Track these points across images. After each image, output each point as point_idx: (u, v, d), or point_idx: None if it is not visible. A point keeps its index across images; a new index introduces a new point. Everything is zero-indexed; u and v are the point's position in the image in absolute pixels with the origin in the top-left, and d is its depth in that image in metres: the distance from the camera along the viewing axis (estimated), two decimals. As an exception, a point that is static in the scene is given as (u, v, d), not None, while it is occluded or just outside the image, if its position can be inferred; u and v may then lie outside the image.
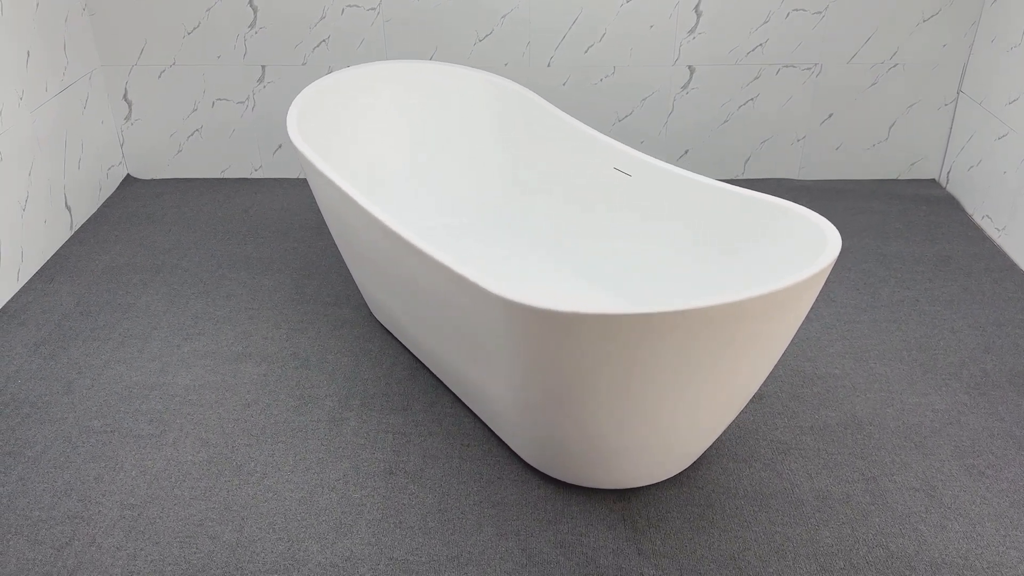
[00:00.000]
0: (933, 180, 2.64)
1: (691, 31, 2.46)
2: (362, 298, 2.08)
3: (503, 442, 1.62)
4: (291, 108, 1.90)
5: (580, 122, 1.95)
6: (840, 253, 2.24)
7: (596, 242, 1.91)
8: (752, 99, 2.55)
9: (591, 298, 1.87)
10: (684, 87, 2.54)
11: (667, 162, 2.64)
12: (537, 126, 2.03)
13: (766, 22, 2.44)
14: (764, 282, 1.25)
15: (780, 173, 2.67)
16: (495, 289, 1.25)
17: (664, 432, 1.39)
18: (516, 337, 1.29)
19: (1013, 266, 2.18)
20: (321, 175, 1.67)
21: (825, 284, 2.11)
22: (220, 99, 2.59)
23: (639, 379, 1.27)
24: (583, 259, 1.95)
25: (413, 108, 2.17)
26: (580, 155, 1.91)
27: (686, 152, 2.63)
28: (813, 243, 1.40)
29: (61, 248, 2.32)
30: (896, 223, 2.40)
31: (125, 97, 2.60)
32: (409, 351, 1.88)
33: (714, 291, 1.64)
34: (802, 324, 1.96)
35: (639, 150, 1.86)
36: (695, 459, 1.55)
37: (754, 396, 1.74)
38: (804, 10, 2.42)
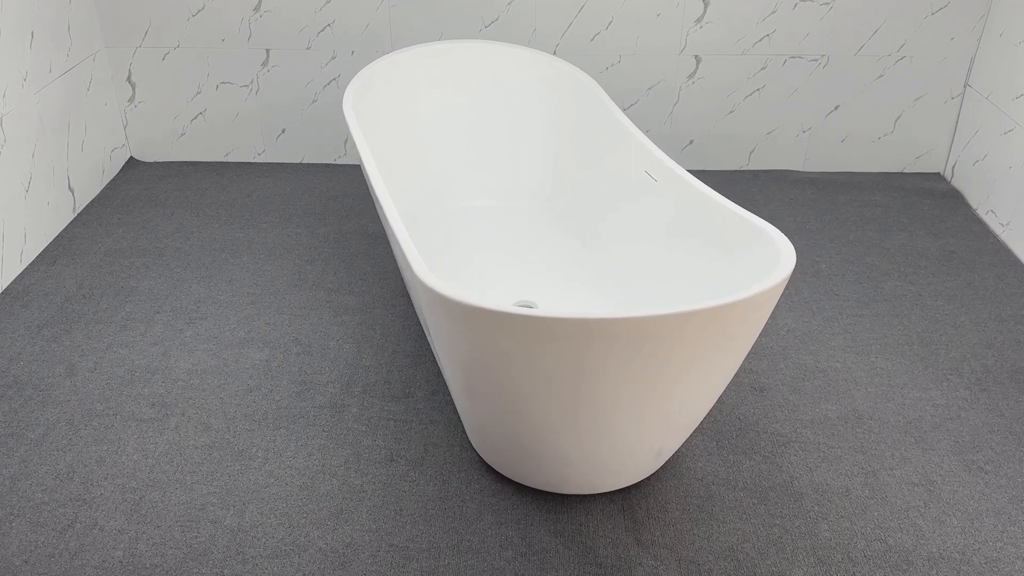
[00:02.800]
0: (938, 174, 2.64)
1: (698, 20, 2.44)
2: (364, 285, 2.08)
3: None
4: (350, 86, 1.95)
5: (627, 118, 1.92)
6: (844, 246, 2.24)
7: (612, 241, 1.91)
8: (758, 90, 2.54)
9: (584, 298, 1.86)
10: (690, 77, 2.53)
11: (672, 153, 2.65)
12: (588, 118, 2.02)
13: (773, 12, 2.43)
14: (713, 296, 1.22)
15: (785, 164, 2.66)
16: (418, 269, 1.27)
17: (589, 441, 1.35)
18: (437, 322, 1.30)
19: (1016, 262, 2.18)
20: (355, 146, 1.72)
21: (828, 278, 2.11)
22: (224, 82, 2.58)
23: (546, 381, 1.24)
24: (594, 256, 1.94)
25: (473, 89, 2.18)
26: (618, 153, 1.90)
27: (691, 142, 2.63)
28: (771, 261, 1.36)
29: (64, 230, 2.32)
30: (900, 216, 2.39)
31: (129, 79, 2.59)
32: (414, 339, 1.89)
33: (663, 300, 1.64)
34: (804, 317, 1.96)
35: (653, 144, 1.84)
36: (650, 473, 1.52)
37: (755, 388, 1.74)
38: (812, 1, 2.41)
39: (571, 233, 2.04)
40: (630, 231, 1.85)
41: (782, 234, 1.37)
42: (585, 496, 1.49)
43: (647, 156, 1.78)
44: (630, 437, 1.36)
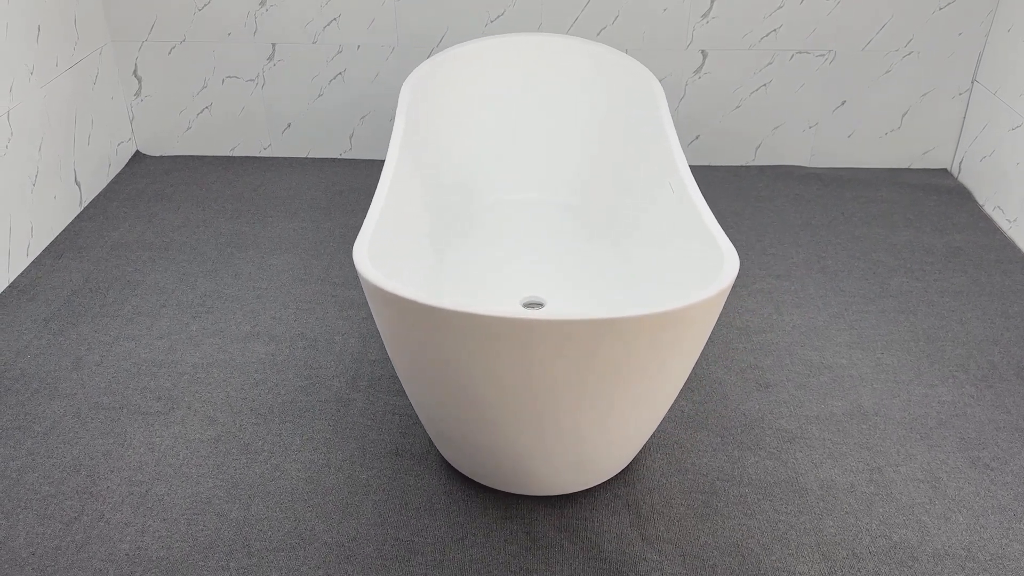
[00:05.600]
0: (945, 170, 2.63)
1: (704, 15, 2.44)
2: (370, 279, 2.08)
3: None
4: (410, 76, 1.99)
5: (671, 122, 1.89)
6: (850, 242, 2.24)
7: (633, 242, 1.91)
8: (765, 85, 2.53)
9: (583, 298, 1.85)
10: (696, 72, 2.52)
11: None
12: (637, 119, 2.02)
13: (780, 7, 2.42)
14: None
15: (791, 160, 2.65)
16: (358, 248, 1.31)
17: (488, 437, 1.35)
18: (367, 299, 1.34)
19: (1023, 258, 2.17)
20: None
21: (834, 274, 2.10)
22: (230, 76, 2.58)
23: (445, 371, 1.24)
24: (615, 255, 1.94)
25: (533, 82, 2.18)
26: (650, 157, 1.90)
27: (697, 137, 2.62)
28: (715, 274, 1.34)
29: (70, 224, 2.33)
30: (906, 213, 2.39)
31: (135, 73, 2.59)
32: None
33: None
34: (809, 313, 1.96)
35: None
36: (577, 488, 1.48)
37: (760, 384, 1.74)
38: (819, -4, 2.40)
39: (597, 232, 2.03)
40: (647, 233, 1.85)
41: (733, 251, 1.33)
42: (590, 491, 1.49)
43: (670, 165, 1.75)
44: (543, 442, 1.33)
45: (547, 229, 2.08)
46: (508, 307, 1.22)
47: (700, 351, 1.32)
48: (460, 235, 2.02)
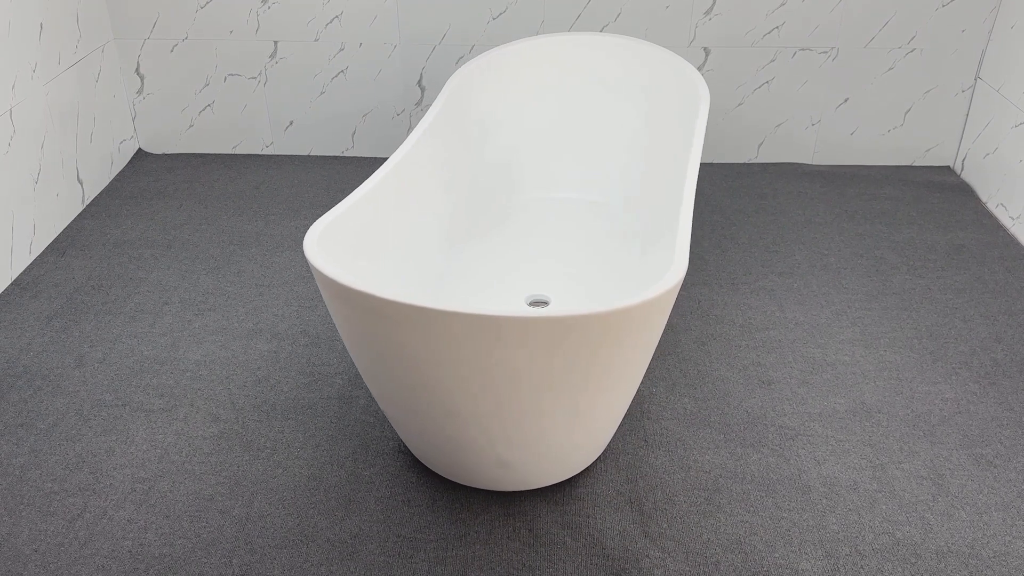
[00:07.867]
0: (948, 167, 2.62)
1: (707, 12, 2.43)
2: (372, 276, 2.09)
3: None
4: (452, 76, 2.02)
5: (702, 131, 1.87)
6: (853, 239, 2.23)
7: (648, 246, 1.91)
8: (767, 82, 2.53)
9: (570, 298, 1.85)
10: (699, 69, 2.52)
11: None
12: (678, 123, 2.01)
13: (783, 4, 2.41)
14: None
15: (794, 157, 2.65)
16: (311, 234, 1.33)
17: (416, 424, 1.36)
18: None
19: (1026, 255, 2.17)
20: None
21: (837, 271, 2.10)
22: (232, 74, 2.58)
23: (403, 361, 1.24)
24: (621, 256, 1.94)
25: (578, 80, 2.18)
26: (673, 160, 1.90)
27: (699, 135, 2.62)
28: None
29: (73, 221, 2.33)
30: (909, 210, 2.38)
31: (137, 71, 2.59)
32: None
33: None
34: (812, 311, 1.96)
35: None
36: (506, 488, 1.47)
37: (763, 381, 1.74)
38: (822, -7, 2.40)
39: (621, 231, 2.03)
40: (658, 234, 1.85)
41: (685, 259, 1.32)
42: (593, 488, 1.49)
43: (682, 168, 1.74)
44: (468, 434, 1.33)
45: (574, 228, 2.08)
46: (432, 300, 1.23)
47: (653, 349, 1.34)
48: (487, 231, 2.03)
